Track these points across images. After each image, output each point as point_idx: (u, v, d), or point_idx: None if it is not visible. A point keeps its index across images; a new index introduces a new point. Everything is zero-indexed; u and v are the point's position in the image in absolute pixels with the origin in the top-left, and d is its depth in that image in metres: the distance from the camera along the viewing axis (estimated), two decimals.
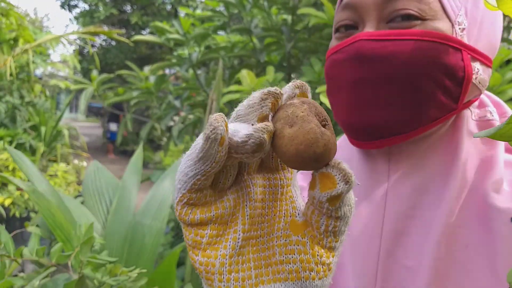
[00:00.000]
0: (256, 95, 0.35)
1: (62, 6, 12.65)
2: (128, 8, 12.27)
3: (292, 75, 2.42)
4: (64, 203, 1.39)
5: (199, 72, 2.87)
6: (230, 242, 0.36)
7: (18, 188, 3.18)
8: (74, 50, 9.07)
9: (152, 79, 2.93)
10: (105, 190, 1.71)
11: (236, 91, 2.05)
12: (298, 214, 0.39)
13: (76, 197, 3.24)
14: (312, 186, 0.36)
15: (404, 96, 0.51)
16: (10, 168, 3.33)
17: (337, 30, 0.57)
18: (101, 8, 11.56)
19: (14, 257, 1.04)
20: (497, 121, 0.56)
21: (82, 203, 1.74)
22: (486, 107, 0.57)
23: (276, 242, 0.38)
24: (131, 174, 1.72)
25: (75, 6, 12.73)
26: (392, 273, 0.53)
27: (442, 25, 0.51)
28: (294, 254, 0.37)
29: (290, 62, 2.36)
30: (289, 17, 2.33)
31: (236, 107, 0.36)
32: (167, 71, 3.82)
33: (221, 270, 0.36)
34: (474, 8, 0.53)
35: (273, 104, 0.35)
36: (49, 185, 1.39)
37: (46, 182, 1.38)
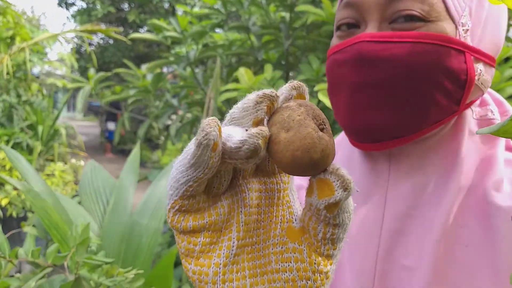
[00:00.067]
0: (251, 97, 0.33)
1: (60, 4, 12.63)
2: (125, 6, 12.25)
3: (290, 73, 2.42)
4: (60, 203, 1.38)
5: (197, 70, 2.86)
6: (224, 250, 0.35)
7: (15, 188, 3.17)
8: (71, 49, 9.05)
9: (149, 77, 2.92)
10: (102, 189, 1.70)
11: (234, 90, 2.04)
12: (295, 220, 0.37)
13: (73, 196, 3.24)
14: (309, 192, 0.35)
15: (405, 99, 0.51)
16: (7, 167, 3.32)
17: (338, 28, 0.56)
18: (98, 6, 11.53)
19: (10, 258, 1.03)
20: (498, 120, 0.56)
21: (79, 203, 1.73)
22: (487, 106, 0.57)
23: (272, 249, 0.37)
24: (128, 174, 1.71)
25: (73, 4, 12.71)
26: (390, 272, 0.53)
27: (446, 27, 0.50)
28: (291, 262, 0.36)
29: (288, 60, 2.35)
30: (287, 15, 2.32)
31: (234, 105, 0.35)
32: (164, 69, 3.81)
33: (215, 280, 0.34)
34: (479, 7, 0.52)
35: (268, 107, 0.33)
36: (45, 184, 1.38)
37: (42, 181, 1.36)
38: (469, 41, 0.51)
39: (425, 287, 0.49)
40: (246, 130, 0.32)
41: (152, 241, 1.51)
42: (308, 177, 0.35)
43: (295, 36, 2.20)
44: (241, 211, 0.36)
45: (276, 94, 0.34)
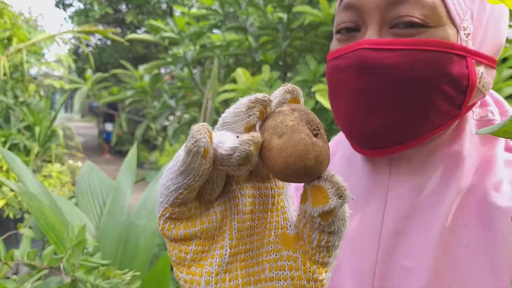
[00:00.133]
0: (242, 102, 0.33)
1: (57, 5, 12.61)
2: (123, 7, 12.24)
3: (288, 74, 2.41)
4: (56, 204, 1.37)
5: (194, 71, 2.85)
6: (216, 258, 0.34)
7: (12, 189, 3.15)
8: (68, 50, 9.03)
9: (146, 78, 2.91)
10: (98, 190, 1.70)
11: (232, 90, 2.04)
12: (290, 226, 0.37)
13: (70, 197, 3.22)
14: (303, 199, 0.34)
15: (406, 106, 0.50)
16: (4, 169, 3.30)
17: (338, 32, 0.56)
18: (96, 7, 11.52)
19: (5, 261, 1.03)
20: (498, 121, 0.56)
21: (76, 204, 1.72)
22: (488, 106, 0.57)
23: (266, 257, 0.36)
24: (125, 175, 1.71)
25: (70, 5, 12.69)
26: (390, 273, 0.52)
27: (447, 32, 0.50)
28: (285, 270, 0.35)
29: (286, 61, 2.35)
30: (284, 16, 2.32)
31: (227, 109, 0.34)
32: (162, 70, 3.80)
33: None
34: (481, 10, 0.52)
35: (261, 112, 0.33)
36: (42, 186, 1.37)
37: (39, 183, 1.36)
38: (470, 45, 0.51)
39: (424, 286, 0.49)
40: (237, 136, 0.31)
41: (150, 243, 1.51)
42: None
43: (292, 37, 2.20)
44: (234, 218, 0.35)
45: (268, 98, 0.33)
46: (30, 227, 1.55)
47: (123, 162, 1.80)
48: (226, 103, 2.28)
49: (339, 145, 0.65)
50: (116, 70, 3.17)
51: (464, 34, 0.50)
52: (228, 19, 2.61)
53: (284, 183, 0.38)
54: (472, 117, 0.56)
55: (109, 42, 12.03)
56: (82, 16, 11.58)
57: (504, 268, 0.47)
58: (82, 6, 11.94)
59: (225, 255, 0.34)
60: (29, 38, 4.46)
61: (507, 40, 1.86)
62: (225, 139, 0.31)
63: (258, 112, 0.32)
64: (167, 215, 0.34)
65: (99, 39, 12.42)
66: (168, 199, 0.33)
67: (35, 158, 4.07)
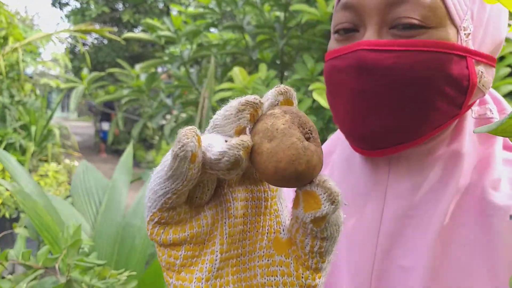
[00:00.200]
0: (233, 105, 0.32)
1: (53, 4, 12.58)
2: (120, 6, 12.22)
3: (285, 73, 2.41)
4: (51, 203, 1.36)
5: (191, 70, 2.85)
6: (206, 264, 0.33)
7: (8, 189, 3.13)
8: (65, 49, 9.01)
9: (143, 77, 2.91)
10: (94, 190, 1.69)
11: (228, 89, 2.03)
12: (283, 231, 0.36)
13: (67, 197, 3.21)
14: (295, 204, 0.33)
15: (406, 107, 0.50)
16: (0, 168, 3.29)
17: (336, 31, 0.55)
18: (92, 6, 11.50)
19: (0, 261, 1.02)
20: (496, 119, 0.55)
21: (72, 203, 1.71)
22: (486, 104, 0.56)
23: (258, 262, 0.35)
24: (121, 174, 1.70)
25: (66, 4, 12.66)
26: (387, 273, 0.52)
27: (447, 33, 0.49)
28: (277, 276, 0.35)
29: (283, 60, 2.35)
30: (281, 14, 2.32)
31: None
32: (159, 69, 3.80)
33: None
34: (481, 9, 0.51)
35: (251, 115, 0.32)
36: (36, 185, 1.36)
37: (33, 182, 1.35)
38: (470, 45, 0.50)
39: (422, 286, 0.49)
40: (226, 141, 0.31)
41: (146, 242, 1.50)
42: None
43: (289, 36, 2.20)
44: (225, 222, 0.34)
45: (260, 101, 0.32)
46: (25, 227, 1.54)
47: (119, 161, 1.79)
48: (223, 102, 2.27)
49: (337, 143, 0.65)
50: (112, 69, 3.16)
51: (465, 34, 0.50)
52: (225, 18, 2.60)
53: None
54: (471, 115, 0.55)
55: (105, 41, 12.00)
56: (78, 15, 11.55)
57: (502, 266, 0.46)
58: (78, 5, 11.91)
59: (216, 260, 0.33)
60: (25, 37, 4.44)
61: (506, 39, 1.86)
62: (215, 143, 0.31)
63: (248, 115, 0.32)
64: (155, 220, 0.33)
65: (95, 38, 12.40)
66: (156, 204, 0.32)
67: (31, 158, 4.05)
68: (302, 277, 0.34)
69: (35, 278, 1.05)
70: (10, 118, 4.12)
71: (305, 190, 0.32)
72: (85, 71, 4.07)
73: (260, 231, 0.36)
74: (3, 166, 1.55)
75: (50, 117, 4.40)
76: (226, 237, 0.34)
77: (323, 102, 1.63)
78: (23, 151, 4.01)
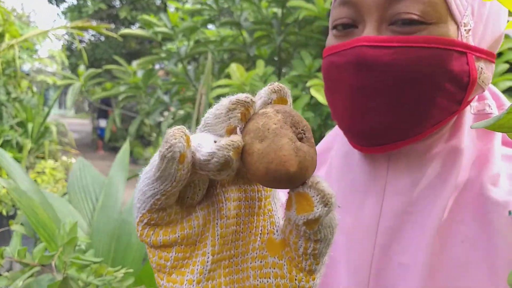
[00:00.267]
0: (223, 103, 0.31)
1: (50, 1, 12.52)
2: (117, 2, 12.18)
3: (283, 69, 2.41)
4: (47, 201, 1.35)
5: (189, 67, 2.84)
6: (198, 266, 0.33)
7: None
8: (62, 46, 8.99)
9: (140, 74, 2.90)
10: (91, 187, 1.68)
11: (226, 86, 2.02)
12: (277, 231, 0.35)
13: (64, 194, 3.20)
14: (288, 206, 0.33)
15: (406, 104, 0.49)
16: None
17: (334, 27, 0.54)
18: (89, 3, 11.46)
19: None
20: (495, 115, 0.55)
21: (69, 201, 1.71)
22: (485, 100, 0.56)
23: (251, 263, 0.35)
24: (118, 171, 1.69)
25: (63, 1, 12.61)
26: (386, 269, 0.52)
27: (447, 29, 0.48)
28: (270, 278, 0.34)
29: (281, 56, 2.34)
30: (279, 10, 2.31)
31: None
32: (157, 66, 3.79)
33: None
34: (481, 5, 0.51)
35: (243, 114, 0.31)
36: (32, 182, 1.36)
37: (29, 179, 1.34)
38: (470, 41, 0.50)
39: (420, 283, 0.48)
40: (215, 141, 0.30)
41: None
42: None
43: (287, 32, 2.19)
44: (217, 223, 0.33)
45: (251, 99, 0.32)
46: (21, 224, 1.54)
47: (116, 158, 1.79)
48: (220, 99, 2.27)
49: (335, 140, 0.64)
50: (109, 66, 3.15)
51: (465, 30, 0.49)
52: (223, 15, 2.59)
53: None
54: (470, 111, 0.55)
55: (103, 38, 11.97)
56: (75, 12, 11.51)
57: (500, 263, 0.46)
58: (75, 2, 11.87)
59: (207, 262, 0.33)
60: (21, 34, 4.42)
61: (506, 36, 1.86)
62: (204, 143, 0.30)
63: (239, 114, 0.31)
64: (145, 221, 0.32)
65: (92, 35, 12.36)
66: (145, 205, 0.32)
67: (28, 155, 4.04)
68: (295, 279, 0.34)
69: (31, 276, 1.05)
70: (7, 115, 4.11)
71: (297, 191, 0.31)
72: (81, 68, 4.05)
73: (253, 232, 0.35)
74: None
75: (47, 114, 4.39)
76: (218, 238, 0.33)
77: (321, 98, 1.63)
78: (20, 148, 4.00)
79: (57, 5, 12.66)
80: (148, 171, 0.32)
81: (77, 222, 1.01)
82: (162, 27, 2.50)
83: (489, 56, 0.52)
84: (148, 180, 0.31)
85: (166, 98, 2.82)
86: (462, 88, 0.50)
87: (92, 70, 3.47)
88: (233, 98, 0.31)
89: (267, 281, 0.34)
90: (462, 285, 0.48)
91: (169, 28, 2.48)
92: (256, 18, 2.41)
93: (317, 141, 0.61)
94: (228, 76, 2.26)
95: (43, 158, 4.26)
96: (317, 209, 0.31)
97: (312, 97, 1.77)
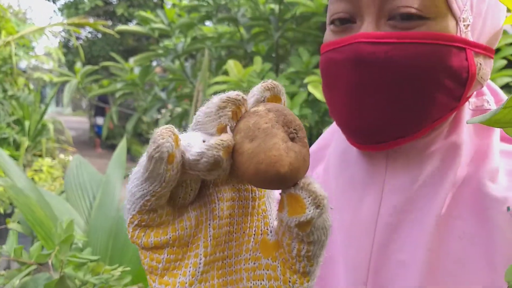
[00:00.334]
0: (214, 101, 0.31)
1: None
2: None
3: (280, 66, 2.40)
4: (44, 198, 1.35)
5: (186, 64, 2.83)
6: (190, 268, 0.32)
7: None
8: (58, 43, 8.96)
9: (137, 71, 2.89)
10: (88, 185, 1.68)
11: (223, 82, 2.02)
12: (271, 232, 0.35)
13: (62, 192, 3.20)
14: (280, 207, 0.32)
15: (405, 101, 0.49)
16: None
17: (332, 22, 0.53)
18: (86, 0, 11.40)
19: None
20: None
21: (66, 199, 1.70)
22: (483, 96, 0.56)
23: (244, 265, 0.34)
24: (115, 168, 1.69)
25: None
26: (384, 267, 0.52)
27: (446, 24, 0.48)
28: (263, 280, 0.33)
29: (278, 52, 2.34)
30: (276, 7, 2.30)
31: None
32: (154, 63, 3.78)
33: None
34: (480, 0, 0.50)
35: (233, 112, 0.31)
36: (29, 180, 1.35)
37: (25, 177, 1.34)
38: (469, 36, 0.49)
39: (419, 280, 0.48)
40: (204, 141, 0.29)
41: None
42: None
43: (285, 28, 2.18)
44: (209, 224, 0.33)
45: (242, 97, 0.31)
46: (18, 222, 1.53)
47: (113, 155, 1.78)
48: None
49: (333, 136, 0.64)
50: (106, 63, 3.14)
51: (464, 25, 0.49)
52: (220, 11, 2.58)
53: None
54: (468, 107, 0.55)
55: (100, 35, 11.93)
56: (72, 9, 11.46)
57: (499, 259, 0.46)
58: None
59: (200, 264, 0.32)
60: (17, 31, 4.40)
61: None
62: (194, 142, 0.29)
63: (230, 112, 0.30)
64: (135, 222, 0.32)
65: (89, 32, 12.32)
66: (135, 206, 0.31)
67: (25, 153, 4.03)
68: (289, 282, 0.33)
69: (28, 274, 1.05)
70: (4, 112, 4.09)
71: (289, 193, 0.31)
72: (78, 65, 4.04)
73: (246, 233, 0.34)
74: None
75: (44, 112, 4.37)
76: (211, 240, 0.32)
77: (319, 95, 1.63)
78: (17, 146, 3.99)
79: (54, 2, 12.61)
80: (136, 172, 0.31)
81: (73, 220, 1.01)
82: (159, 23, 2.49)
83: (488, 51, 0.52)
84: (137, 181, 0.30)
85: (163, 95, 2.81)
86: (461, 84, 0.49)
87: (89, 67, 3.46)
88: (223, 96, 0.30)
89: (261, 283, 0.33)
90: (460, 282, 0.48)
91: (166, 24, 2.47)
92: (253, 14, 2.40)
93: (315, 138, 0.61)
94: (225, 73, 2.25)
95: (40, 156, 4.25)
96: (309, 211, 0.30)
97: (309, 93, 1.76)
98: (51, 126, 4.53)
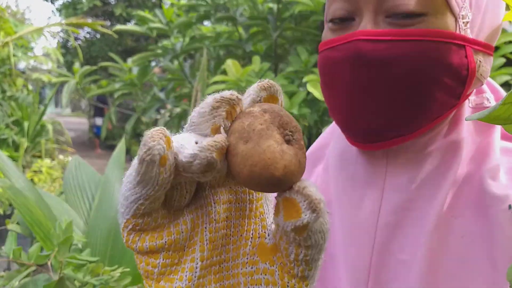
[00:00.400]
0: (208, 101, 0.30)
1: None
2: None
3: (279, 65, 2.40)
4: (43, 199, 1.35)
5: (185, 64, 2.83)
6: (186, 272, 0.31)
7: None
8: (57, 43, 8.95)
9: (135, 70, 2.89)
10: (87, 185, 1.67)
11: (222, 82, 2.02)
12: (268, 235, 0.34)
13: (61, 193, 3.19)
14: (276, 212, 0.31)
15: (404, 99, 0.48)
16: None
17: (330, 20, 0.53)
18: (84, 0, 11.39)
19: None
20: None
21: (65, 200, 1.70)
22: (483, 94, 0.55)
23: (242, 269, 0.33)
24: (114, 169, 1.68)
25: None
26: (386, 266, 0.51)
27: (445, 21, 0.48)
28: (261, 285, 0.33)
29: (277, 52, 2.33)
30: (274, 6, 2.30)
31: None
32: (153, 63, 3.78)
33: None
34: None
35: (228, 113, 0.30)
36: (27, 181, 1.35)
37: (24, 178, 1.33)
38: (469, 34, 0.49)
39: (420, 279, 0.48)
40: (196, 142, 0.29)
41: None
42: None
43: (283, 27, 2.18)
44: (206, 228, 0.32)
45: (237, 97, 0.30)
46: (17, 223, 1.53)
47: (111, 156, 1.78)
48: None
49: (332, 136, 0.63)
50: (104, 63, 3.14)
51: (463, 22, 0.48)
52: (218, 10, 2.58)
53: None
54: (468, 105, 0.54)
55: (98, 36, 11.92)
56: (70, 9, 11.45)
57: (500, 257, 0.46)
58: None
59: (196, 268, 0.31)
60: (16, 31, 4.40)
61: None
62: (187, 144, 0.29)
63: (224, 113, 0.30)
64: (130, 227, 0.31)
65: (88, 32, 12.32)
66: (129, 210, 0.30)
67: (24, 154, 4.03)
68: (287, 286, 0.33)
69: (27, 275, 1.04)
70: (3, 113, 4.09)
71: (284, 197, 0.30)
72: (77, 66, 4.03)
73: (244, 236, 0.34)
74: None
75: (43, 113, 4.37)
76: (207, 243, 0.32)
77: (318, 94, 1.62)
78: (16, 147, 3.98)
79: (52, 2, 12.59)
80: (129, 175, 0.30)
81: (72, 221, 1.01)
82: (157, 23, 2.49)
83: (487, 49, 0.52)
84: (130, 185, 0.30)
85: (162, 95, 2.81)
86: (461, 82, 0.49)
87: (87, 68, 3.46)
88: (217, 95, 0.30)
89: None
90: (462, 280, 0.47)
91: (164, 24, 2.46)
92: (251, 13, 2.40)
93: (314, 137, 0.60)
94: (224, 72, 2.25)
95: (39, 157, 4.25)
96: (305, 215, 0.29)
97: (309, 93, 1.76)
98: (50, 127, 4.53)
